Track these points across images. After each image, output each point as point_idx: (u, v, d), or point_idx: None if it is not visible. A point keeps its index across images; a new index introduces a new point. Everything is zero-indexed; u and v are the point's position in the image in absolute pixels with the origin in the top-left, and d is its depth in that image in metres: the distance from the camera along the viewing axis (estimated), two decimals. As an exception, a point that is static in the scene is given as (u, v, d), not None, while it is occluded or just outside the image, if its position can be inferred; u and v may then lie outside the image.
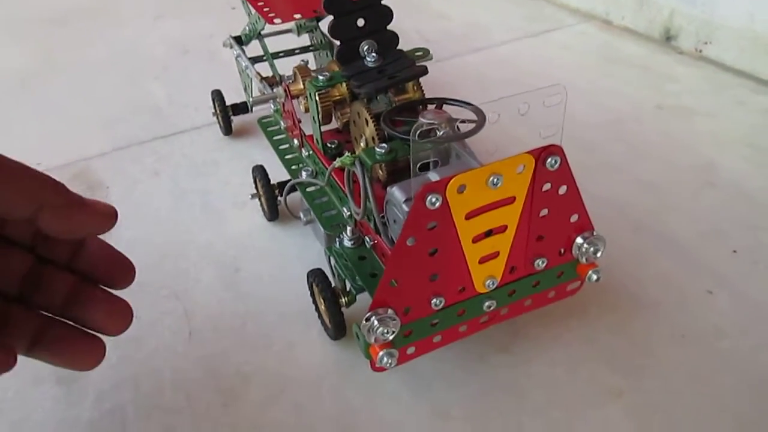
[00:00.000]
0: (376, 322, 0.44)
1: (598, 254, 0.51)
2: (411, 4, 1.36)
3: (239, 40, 0.88)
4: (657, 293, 0.63)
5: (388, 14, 0.59)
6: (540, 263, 0.50)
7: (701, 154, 0.83)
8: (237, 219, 0.77)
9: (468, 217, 0.44)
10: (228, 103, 0.89)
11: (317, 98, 0.59)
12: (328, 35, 0.60)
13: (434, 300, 0.47)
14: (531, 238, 0.48)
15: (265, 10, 0.74)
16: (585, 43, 1.15)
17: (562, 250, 0.51)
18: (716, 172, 0.80)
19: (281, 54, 0.88)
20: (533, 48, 1.14)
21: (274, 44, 0.88)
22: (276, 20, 0.71)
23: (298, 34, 0.88)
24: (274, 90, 0.69)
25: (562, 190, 0.47)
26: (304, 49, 0.89)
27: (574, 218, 0.49)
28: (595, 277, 0.52)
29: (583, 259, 0.51)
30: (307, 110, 0.62)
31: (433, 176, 0.46)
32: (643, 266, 0.66)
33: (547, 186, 0.46)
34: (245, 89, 0.89)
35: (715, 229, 0.71)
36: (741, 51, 1.00)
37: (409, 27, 1.24)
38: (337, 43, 0.59)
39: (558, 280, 0.53)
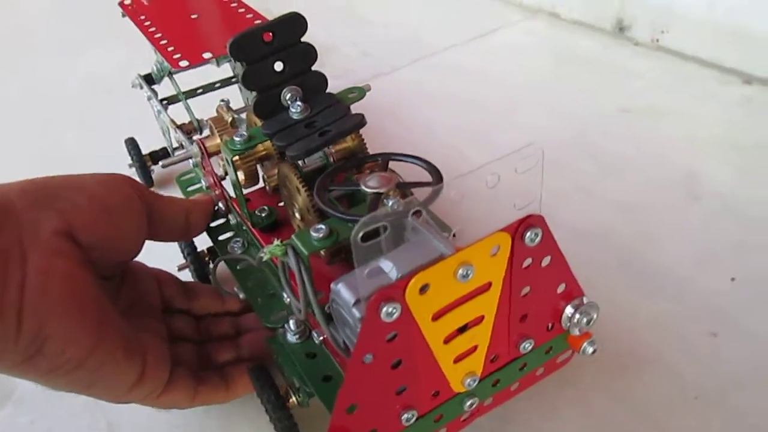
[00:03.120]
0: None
1: (591, 323, 0.44)
2: (341, 13, 1.26)
3: (149, 79, 0.78)
4: (655, 343, 0.54)
5: (310, 53, 0.49)
6: (527, 346, 0.41)
7: (678, 163, 0.75)
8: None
9: (435, 317, 0.35)
10: (149, 149, 0.79)
11: (235, 164, 0.49)
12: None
13: (405, 415, 0.37)
14: (513, 320, 0.39)
15: (169, 50, 0.64)
16: (534, 42, 1.07)
17: (551, 325, 0.43)
18: (698, 182, 0.72)
19: (199, 91, 0.78)
20: (478, 52, 1.06)
21: (192, 77, 0.76)
22: (182, 63, 0.61)
23: (218, 65, 0.78)
24: (188, 148, 0.59)
25: (546, 261, 0.38)
26: (225, 82, 0.79)
27: (561, 288, 0.41)
28: (590, 349, 0.43)
29: (576, 331, 0.43)
30: (226, 174, 0.53)
31: (385, 265, 0.36)
32: (635, 311, 0.57)
33: (527, 261, 0.37)
34: (164, 133, 0.78)
35: (708, 254, 0.63)
36: (701, 39, 0.93)
37: (342, 39, 1.15)
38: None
39: (547, 356, 0.45)
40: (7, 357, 0.37)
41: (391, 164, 0.48)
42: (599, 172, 0.76)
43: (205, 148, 0.55)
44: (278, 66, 0.48)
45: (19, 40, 1.35)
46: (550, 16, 1.13)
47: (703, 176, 0.73)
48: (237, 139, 0.47)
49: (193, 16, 0.70)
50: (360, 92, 0.51)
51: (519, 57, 1.03)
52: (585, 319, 0.42)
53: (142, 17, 0.72)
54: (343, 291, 0.37)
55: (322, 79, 0.50)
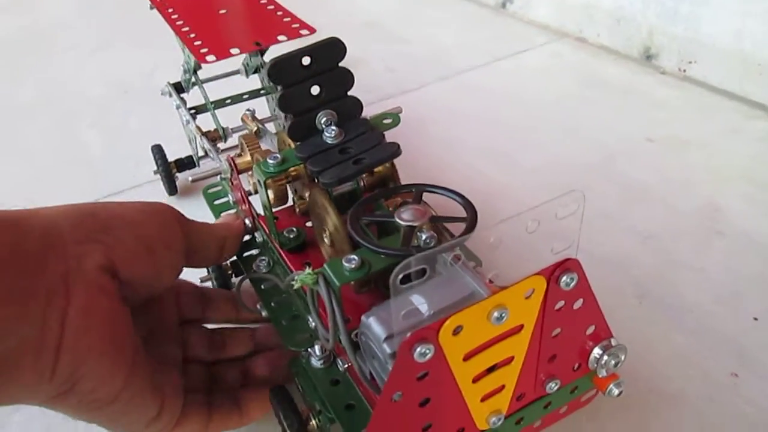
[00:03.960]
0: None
1: (619, 366, 0.43)
2: (371, 29, 1.26)
3: (179, 87, 0.77)
4: (677, 380, 0.53)
5: (347, 79, 0.49)
6: (553, 386, 0.41)
7: (702, 195, 0.74)
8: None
9: (466, 358, 0.34)
10: (173, 155, 0.78)
11: (267, 187, 0.49)
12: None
13: (427, 451, 0.38)
14: (542, 361, 0.39)
15: (196, 44, 0.62)
16: (560, 65, 1.06)
17: (577, 365, 0.42)
18: (722, 217, 0.71)
19: (228, 101, 0.77)
20: (505, 73, 1.05)
21: (222, 87, 0.77)
22: (209, 57, 0.59)
23: (247, 75, 0.78)
24: (213, 156, 0.59)
25: (578, 304, 0.38)
26: (254, 94, 0.78)
27: (590, 329, 0.41)
28: (616, 391, 0.43)
29: (603, 372, 0.43)
30: (256, 192, 0.52)
31: (417, 301, 0.36)
32: (655, 345, 0.57)
33: (560, 304, 0.37)
34: (190, 142, 0.77)
35: (731, 290, 0.62)
36: (728, 71, 0.92)
37: (369, 55, 1.14)
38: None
39: (571, 395, 0.44)
40: (39, 393, 0.36)
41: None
42: (621, 196, 0.75)
43: (235, 165, 0.55)
44: (315, 90, 0.47)
45: (37, 40, 1.35)
46: (577, 40, 1.12)
47: (727, 210, 0.72)
48: (270, 161, 0.47)
49: (221, 12, 0.69)
50: (395, 119, 0.51)
51: (544, 79, 1.03)
52: (613, 362, 0.41)
53: (170, 10, 0.71)
54: (374, 325, 0.37)
55: (357, 105, 0.50)
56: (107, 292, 0.38)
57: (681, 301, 0.61)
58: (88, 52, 1.27)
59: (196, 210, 0.75)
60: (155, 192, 0.83)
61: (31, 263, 0.36)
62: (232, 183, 0.59)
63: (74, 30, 1.39)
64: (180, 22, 0.67)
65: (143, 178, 0.86)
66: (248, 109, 0.69)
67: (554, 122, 0.91)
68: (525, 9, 1.21)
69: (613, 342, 0.42)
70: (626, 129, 0.88)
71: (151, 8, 0.74)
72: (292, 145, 0.52)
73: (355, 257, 0.39)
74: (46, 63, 1.24)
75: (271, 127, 0.76)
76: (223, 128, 0.70)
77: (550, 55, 1.10)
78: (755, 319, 0.59)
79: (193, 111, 0.74)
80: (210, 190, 0.66)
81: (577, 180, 0.79)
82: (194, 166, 0.78)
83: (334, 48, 0.47)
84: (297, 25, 0.63)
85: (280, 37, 0.60)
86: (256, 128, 0.63)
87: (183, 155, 0.80)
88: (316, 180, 0.48)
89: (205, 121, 0.74)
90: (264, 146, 0.63)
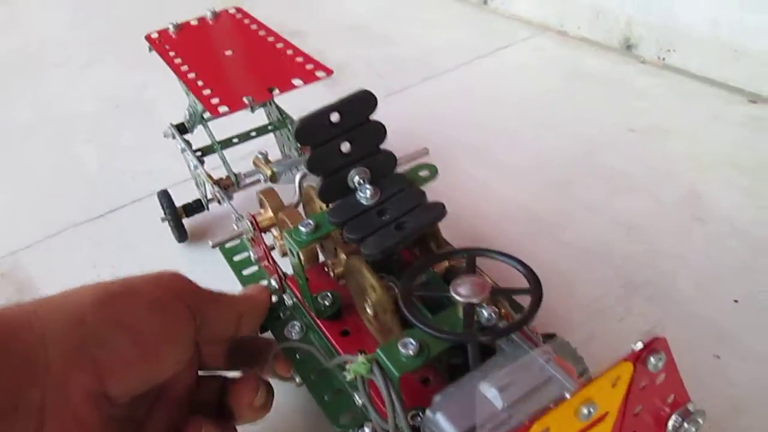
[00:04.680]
0: None
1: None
2: (357, 31, 1.23)
3: (182, 128, 0.71)
4: (661, 364, 0.56)
5: (379, 132, 0.43)
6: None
7: (684, 184, 0.73)
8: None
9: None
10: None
11: (301, 255, 0.43)
12: (293, 137, 0.45)
13: None
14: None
15: (205, 93, 0.57)
16: (542, 59, 1.04)
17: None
18: (703, 204, 0.69)
19: (235, 140, 0.73)
20: (488, 69, 1.03)
21: (226, 123, 0.71)
22: (221, 108, 0.55)
23: (252, 110, 0.77)
24: (238, 225, 0.53)
25: (661, 379, 0.35)
26: (261, 130, 0.74)
27: (670, 398, 0.38)
28: None
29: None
30: (284, 255, 0.47)
31: (487, 391, 0.31)
32: (638, 331, 0.59)
33: (644, 383, 0.34)
34: (197, 185, 0.72)
35: (712, 275, 0.60)
36: (707, 58, 0.91)
37: (356, 58, 1.12)
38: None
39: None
40: None
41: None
42: (604, 188, 0.74)
43: (257, 223, 0.50)
44: (345, 146, 0.42)
45: (29, 59, 1.32)
46: (558, 33, 1.10)
47: (709, 197, 0.71)
48: (303, 229, 0.42)
49: (227, 53, 0.65)
50: (432, 170, 0.47)
51: (527, 75, 1.00)
52: (693, 428, 0.39)
53: (172, 53, 0.66)
54: (442, 421, 0.32)
55: (391, 159, 0.44)
56: (88, 427, 0.33)
57: (664, 289, 0.60)
58: (78, 68, 1.24)
59: (209, 257, 0.67)
60: (152, 208, 0.77)
61: (6, 396, 0.31)
62: (252, 240, 0.53)
63: (64, 47, 1.35)
64: (185, 68, 0.61)
65: (140, 192, 0.85)
66: (260, 153, 0.63)
67: (537, 118, 0.89)
68: (507, 4, 1.19)
69: (691, 407, 0.39)
70: (608, 120, 0.87)
71: (150, 50, 0.69)
72: (318, 202, 0.47)
73: (413, 341, 0.35)
74: (38, 82, 1.21)
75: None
76: (235, 174, 0.64)
77: (532, 50, 1.07)
78: (735, 301, 0.60)
79: (199, 153, 0.68)
80: (228, 245, 0.59)
81: (561, 175, 0.77)
82: (203, 210, 0.72)
83: (364, 101, 0.43)
84: (311, 66, 0.58)
85: (296, 82, 0.56)
86: (270, 173, 0.58)
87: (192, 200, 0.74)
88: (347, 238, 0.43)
89: (213, 161, 0.70)
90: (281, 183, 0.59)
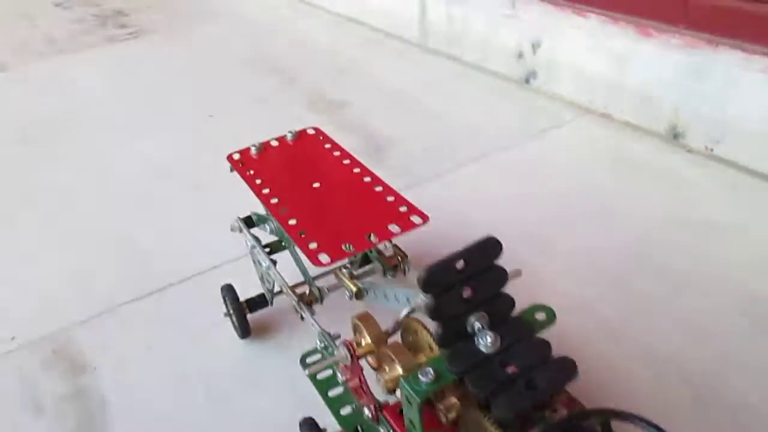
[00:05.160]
0: None
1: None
2: (400, 101, 1.25)
3: (249, 222, 0.70)
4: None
5: (501, 277, 0.42)
6: None
7: (742, 282, 0.72)
8: (251, 408, 0.64)
9: None
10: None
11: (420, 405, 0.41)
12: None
13: None
14: None
15: (301, 235, 0.56)
16: (588, 143, 1.05)
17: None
18: (761, 307, 0.69)
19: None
20: (536, 152, 1.04)
21: None
22: (322, 257, 0.53)
23: (352, 262, 0.69)
24: (334, 352, 0.52)
25: None
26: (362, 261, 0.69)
27: None
28: None
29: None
30: (391, 392, 0.46)
31: None
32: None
33: None
34: (262, 280, 0.70)
35: None
36: (757, 151, 0.92)
37: (403, 132, 1.13)
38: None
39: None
40: None
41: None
42: (661, 286, 0.74)
43: (354, 351, 0.48)
44: (467, 292, 0.41)
45: (70, 119, 1.33)
46: (602, 117, 1.11)
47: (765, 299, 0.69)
48: (423, 379, 0.40)
49: (315, 185, 0.63)
50: (548, 314, 0.45)
51: (574, 158, 1.01)
52: None
53: (258, 181, 0.65)
54: None
55: (509, 303, 0.43)
56: None
57: (735, 402, 0.59)
58: (122, 133, 1.25)
59: (271, 354, 0.70)
60: (208, 288, 0.78)
61: None
62: (346, 367, 0.51)
63: (105, 107, 1.37)
64: (274, 201, 0.61)
65: (193, 268, 0.84)
66: (345, 267, 0.62)
67: (587, 205, 0.89)
68: (549, 84, 1.21)
69: None
70: (657, 211, 0.87)
71: (231, 171, 0.69)
72: (421, 335, 0.46)
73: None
74: (80, 144, 1.22)
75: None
76: (318, 289, 0.62)
77: (577, 132, 1.08)
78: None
79: (267, 249, 0.67)
80: (320, 376, 0.56)
81: (613, 268, 0.76)
82: (267, 305, 0.70)
83: (490, 248, 0.42)
84: (405, 209, 0.58)
85: (393, 228, 0.55)
86: (356, 290, 0.58)
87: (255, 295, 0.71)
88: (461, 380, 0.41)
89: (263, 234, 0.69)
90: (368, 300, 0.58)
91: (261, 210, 0.68)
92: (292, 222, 0.57)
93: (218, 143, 0.83)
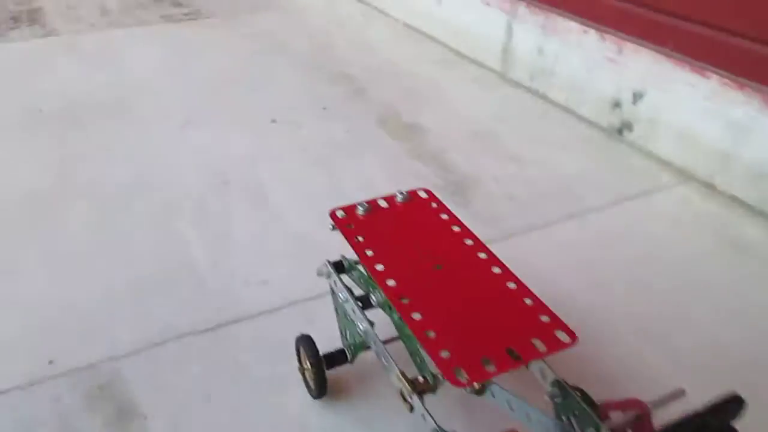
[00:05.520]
0: None
1: None
2: (482, 139, 1.14)
3: (340, 267, 0.61)
4: None
5: None
6: None
7: None
8: None
9: None
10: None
11: None
12: None
13: None
14: None
15: (428, 335, 0.47)
16: (691, 215, 0.95)
17: None
18: None
19: None
20: (634, 217, 0.94)
21: None
22: (461, 377, 0.45)
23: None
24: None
25: None
26: None
27: None
28: None
29: None
30: None
31: None
32: None
33: None
34: (343, 333, 0.62)
35: None
36: None
37: (483, 172, 1.04)
38: None
39: None
40: None
41: None
42: None
43: None
44: None
45: (124, 104, 1.24)
46: (705, 186, 1.02)
47: None
48: None
49: (436, 268, 0.54)
50: None
51: (680, 233, 0.92)
52: None
53: (370, 252, 0.56)
54: None
55: None
56: None
57: None
58: (178, 126, 1.16)
59: (348, 421, 0.62)
60: (275, 331, 0.70)
61: None
62: None
63: (160, 93, 1.28)
64: (391, 281, 0.52)
65: (260, 304, 0.75)
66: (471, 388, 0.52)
67: (699, 290, 0.80)
68: (645, 139, 1.11)
69: None
70: None
71: (333, 229, 0.61)
72: None
73: None
74: (135, 135, 1.13)
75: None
76: (433, 375, 0.52)
77: (679, 201, 0.99)
78: None
79: (359, 305, 0.58)
80: None
81: (747, 379, 0.65)
82: (346, 361, 0.62)
83: (731, 408, 0.37)
84: (548, 319, 0.49)
85: (538, 346, 0.47)
86: (478, 386, 0.51)
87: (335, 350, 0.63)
88: None
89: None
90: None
91: (350, 252, 0.59)
92: (416, 316, 0.49)
93: (283, 154, 0.73)
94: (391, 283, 0.52)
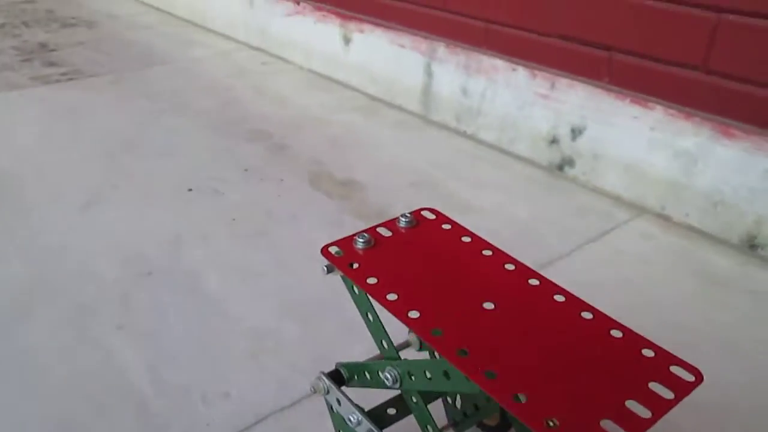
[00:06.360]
0: None
1: None
2: (419, 190, 1.07)
3: (339, 377, 0.50)
4: None
5: None
6: None
7: None
8: None
9: None
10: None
11: None
12: None
13: None
14: None
15: (516, 401, 0.36)
16: (656, 250, 0.92)
17: None
18: None
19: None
20: (602, 259, 0.89)
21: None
22: None
23: None
24: None
25: None
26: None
27: None
28: None
29: None
30: None
31: None
32: None
33: None
34: None
35: None
36: None
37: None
38: None
39: None
40: None
41: None
42: None
43: None
44: None
45: (9, 182, 1.05)
46: (659, 218, 0.99)
47: None
48: None
49: (486, 305, 0.43)
50: None
51: (650, 271, 0.88)
52: None
53: (393, 297, 0.43)
54: None
55: None
56: None
57: None
58: (78, 207, 0.98)
59: None
60: None
61: None
62: None
63: (53, 172, 1.09)
64: (437, 331, 0.40)
65: (230, 425, 0.61)
66: None
67: (683, 334, 0.76)
68: (588, 175, 1.07)
69: None
70: (764, 345, 0.74)
71: (328, 273, 0.49)
72: None
73: None
74: (26, 224, 0.94)
75: None
76: None
77: (640, 237, 0.95)
78: None
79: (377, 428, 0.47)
80: None
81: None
82: None
83: None
84: (652, 353, 0.40)
85: (660, 392, 0.37)
86: None
87: None
88: None
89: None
90: None
91: (342, 354, 0.48)
92: (491, 376, 0.36)
93: (210, 229, 0.61)
94: (437, 333, 0.40)
